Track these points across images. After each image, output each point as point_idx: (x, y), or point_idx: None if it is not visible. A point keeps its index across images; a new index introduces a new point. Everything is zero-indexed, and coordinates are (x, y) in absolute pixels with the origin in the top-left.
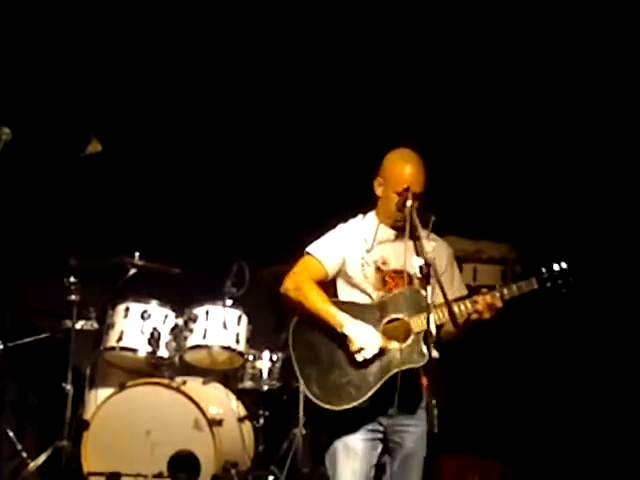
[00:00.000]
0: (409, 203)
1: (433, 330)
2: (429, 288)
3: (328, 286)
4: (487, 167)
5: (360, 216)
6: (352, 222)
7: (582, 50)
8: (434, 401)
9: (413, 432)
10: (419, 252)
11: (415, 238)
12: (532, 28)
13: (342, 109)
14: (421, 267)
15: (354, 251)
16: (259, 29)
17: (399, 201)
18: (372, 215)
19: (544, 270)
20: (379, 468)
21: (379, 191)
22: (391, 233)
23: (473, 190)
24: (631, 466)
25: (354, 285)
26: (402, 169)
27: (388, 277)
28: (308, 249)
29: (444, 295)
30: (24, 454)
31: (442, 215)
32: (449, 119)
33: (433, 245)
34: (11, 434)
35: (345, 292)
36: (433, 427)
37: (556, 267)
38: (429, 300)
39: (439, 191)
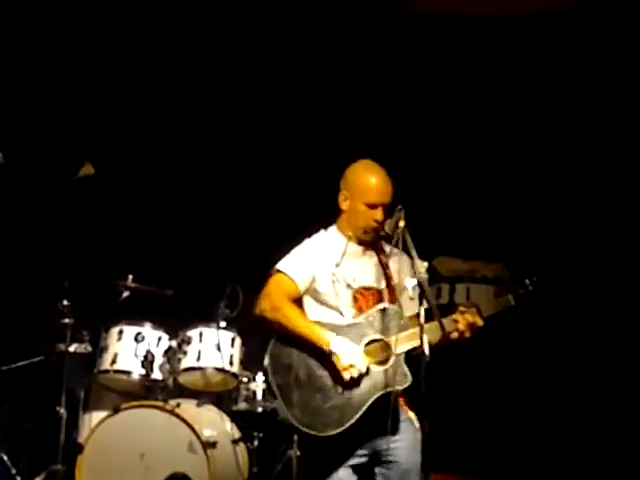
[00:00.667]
0: (401, 224)
1: (427, 350)
2: (422, 309)
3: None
4: (480, 187)
5: (322, 231)
6: (316, 237)
7: (567, 66)
8: (411, 414)
9: (403, 447)
10: (412, 272)
11: (409, 257)
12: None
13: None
14: (414, 288)
15: (323, 267)
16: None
17: (391, 222)
18: (334, 229)
19: (520, 287)
20: None
21: (344, 205)
22: (359, 248)
23: (466, 210)
24: None
25: (323, 302)
26: (369, 180)
27: (358, 294)
28: (279, 266)
29: (438, 316)
30: (18, 478)
31: (435, 236)
32: (439, 139)
33: (394, 265)
34: (5, 458)
35: (313, 309)
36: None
37: (527, 282)
38: (422, 321)
39: (432, 212)
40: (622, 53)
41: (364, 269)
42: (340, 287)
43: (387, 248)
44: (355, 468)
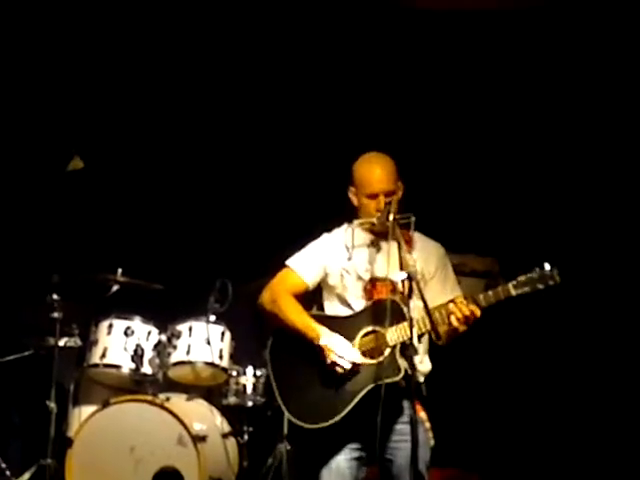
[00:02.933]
0: (391, 217)
1: (416, 344)
2: (411, 303)
3: (314, 298)
4: (470, 180)
5: (345, 225)
6: (336, 231)
7: (563, 66)
8: (422, 414)
9: (403, 448)
10: (402, 265)
11: (398, 250)
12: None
13: (321, 122)
14: (403, 281)
15: (335, 261)
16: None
17: (381, 215)
18: (354, 222)
19: (522, 276)
20: None
21: (354, 200)
22: (370, 239)
23: (457, 204)
24: None
25: (336, 295)
26: (369, 172)
27: (370, 285)
28: (287, 261)
29: (426, 307)
30: (8, 472)
31: (425, 229)
32: (432, 134)
33: (417, 253)
34: None
35: (329, 303)
36: (416, 443)
37: (535, 273)
38: (411, 315)
39: (422, 205)
40: (622, 47)
41: (378, 260)
42: (350, 280)
43: (414, 236)
44: (349, 461)
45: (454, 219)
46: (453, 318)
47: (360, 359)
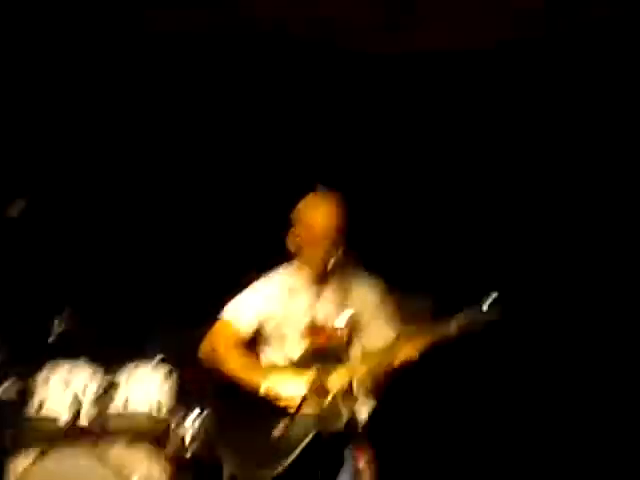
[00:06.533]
0: (332, 261)
1: (355, 391)
2: (351, 349)
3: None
4: (404, 218)
5: (281, 268)
6: (272, 275)
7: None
8: (362, 464)
9: None
10: (341, 311)
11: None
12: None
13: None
14: (341, 329)
15: (273, 307)
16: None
17: (324, 258)
18: (289, 267)
19: (461, 315)
20: None
21: (295, 243)
22: (309, 284)
23: (389, 241)
24: None
25: (274, 341)
26: (314, 215)
27: (309, 331)
28: (223, 312)
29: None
30: None
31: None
32: (370, 170)
33: (357, 292)
34: None
35: (265, 351)
36: None
37: (475, 310)
38: (352, 361)
39: (356, 243)
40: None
41: (317, 306)
42: (289, 327)
43: (351, 279)
44: None
45: (388, 257)
46: (395, 363)
47: (304, 407)
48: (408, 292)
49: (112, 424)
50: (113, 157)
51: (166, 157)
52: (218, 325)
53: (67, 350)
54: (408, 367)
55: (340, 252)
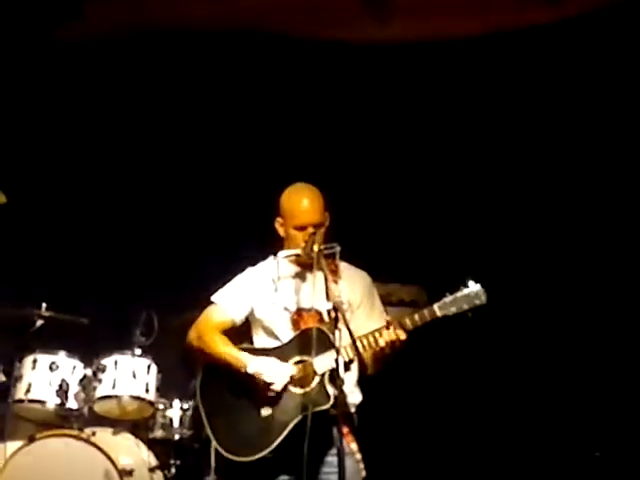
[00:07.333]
0: (315, 248)
1: (342, 374)
2: (337, 333)
3: (244, 333)
4: (396, 208)
5: (270, 257)
6: (261, 264)
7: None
8: (353, 446)
9: None
10: (328, 296)
11: (324, 281)
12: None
13: (245, 155)
14: (329, 311)
15: (261, 294)
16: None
17: (306, 246)
18: (282, 253)
19: (448, 296)
20: None
21: (281, 231)
22: (296, 270)
23: (382, 232)
24: None
25: (264, 328)
26: (296, 203)
27: (297, 316)
28: (213, 297)
29: (351, 336)
30: None
31: (350, 259)
32: (355, 164)
33: (344, 283)
34: None
35: (257, 336)
36: (344, 474)
37: (460, 291)
38: (338, 344)
39: (346, 233)
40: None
41: (304, 291)
42: (277, 312)
43: (340, 265)
44: None
45: (378, 248)
46: (381, 341)
47: (290, 388)
48: (400, 282)
49: (100, 406)
50: (110, 157)
51: (155, 154)
52: (208, 311)
53: (47, 343)
54: (398, 349)
55: (322, 236)
